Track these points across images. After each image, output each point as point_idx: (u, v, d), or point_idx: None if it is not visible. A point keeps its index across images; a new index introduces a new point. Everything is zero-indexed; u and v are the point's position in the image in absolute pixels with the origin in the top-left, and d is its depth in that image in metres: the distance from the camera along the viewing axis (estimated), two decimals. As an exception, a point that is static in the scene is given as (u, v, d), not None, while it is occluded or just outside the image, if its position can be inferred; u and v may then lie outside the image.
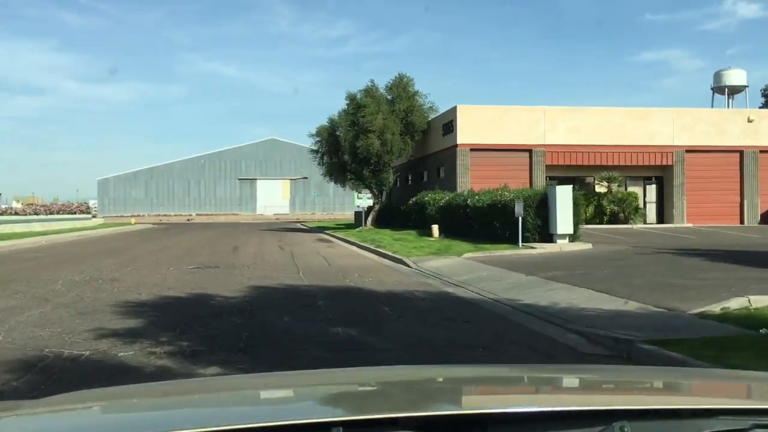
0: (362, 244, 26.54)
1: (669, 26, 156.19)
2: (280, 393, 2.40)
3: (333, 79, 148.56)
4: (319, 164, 42.76)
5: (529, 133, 34.44)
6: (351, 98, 38.66)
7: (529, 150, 34.56)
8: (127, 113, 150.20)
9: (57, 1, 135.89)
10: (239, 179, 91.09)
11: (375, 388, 2.36)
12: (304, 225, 57.25)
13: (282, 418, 1.67)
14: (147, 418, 2.02)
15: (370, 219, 39.89)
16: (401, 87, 38.52)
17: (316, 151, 41.13)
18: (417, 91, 38.83)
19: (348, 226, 48.36)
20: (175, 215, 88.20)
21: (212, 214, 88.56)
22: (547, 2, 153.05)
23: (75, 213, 57.37)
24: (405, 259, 19.15)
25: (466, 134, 34.24)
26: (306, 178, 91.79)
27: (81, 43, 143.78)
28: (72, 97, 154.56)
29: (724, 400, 2.07)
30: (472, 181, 34.04)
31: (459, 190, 34.05)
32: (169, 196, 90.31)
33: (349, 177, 43.26)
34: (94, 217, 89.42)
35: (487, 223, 24.13)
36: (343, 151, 39.60)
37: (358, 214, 60.55)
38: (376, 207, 40.35)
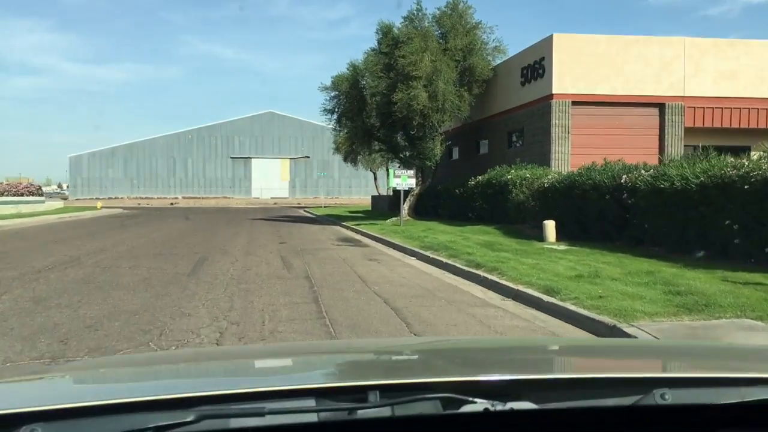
0: (439, 257, 14.26)
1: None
2: (313, 359, 2.33)
3: (332, 61, 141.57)
4: (334, 130, 30.60)
5: (661, 79, 22.43)
6: (385, 31, 26.51)
7: (659, 104, 22.58)
8: (125, 94, 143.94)
9: None
10: (232, 158, 78.87)
11: (409, 356, 2.32)
12: (309, 212, 45.16)
13: (318, 381, 1.70)
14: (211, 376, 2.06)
15: (406, 206, 27.92)
16: (456, 17, 26.36)
17: (331, 111, 29.00)
18: (479, 23, 26.72)
19: (367, 215, 36.33)
20: (158, 198, 76.09)
21: (200, 197, 76.45)
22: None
23: (23, 194, 44.84)
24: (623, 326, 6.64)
25: (565, 79, 22.22)
26: (308, 157, 79.58)
27: (78, 23, 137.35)
28: (69, 77, 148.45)
29: (763, 369, 1.85)
30: (574, 150, 22.06)
31: (554, 164, 22.07)
32: (151, 177, 78.12)
33: (376, 147, 31.17)
34: (62, 198, 77.38)
35: (689, 220, 12.16)
36: (370, 111, 27.53)
37: (377, 199, 48.54)
38: (415, 190, 28.32)
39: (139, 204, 67.95)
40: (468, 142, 30.06)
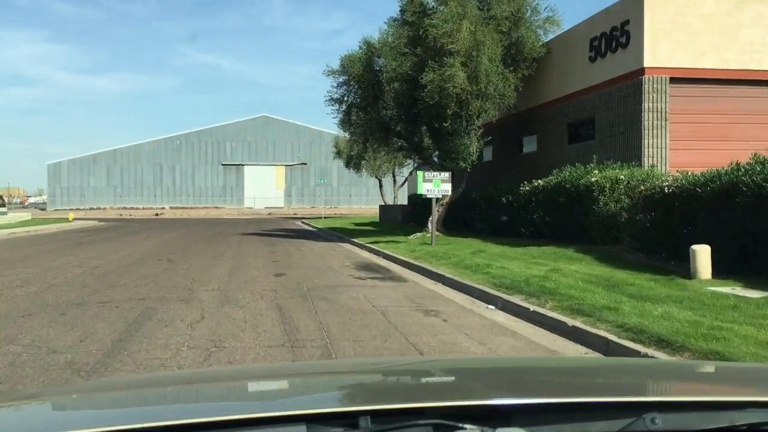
0: (549, 312, 8.18)
1: None
2: (305, 381, 2.26)
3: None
4: (341, 123, 24.67)
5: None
6: (411, -4, 20.65)
7: (786, 83, 16.77)
8: (119, 104, 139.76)
9: None
10: (223, 164, 72.93)
11: (401, 378, 2.28)
12: (308, 224, 39.19)
13: (309, 406, 1.64)
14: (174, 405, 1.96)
15: (433, 219, 22.08)
16: (499, -19, 20.52)
17: (338, 101, 23.09)
18: (528, -11, 20.89)
19: (378, 228, 30.46)
20: (143, 208, 70.07)
21: (189, 207, 70.43)
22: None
23: (-23, 205, 38.97)
24: None
25: (660, 49, 16.42)
26: (305, 164, 73.68)
27: (74, 33, 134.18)
28: (64, 88, 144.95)
29: (756, 392, 1.87)
30: (673, 143, 16.26)
31: (646, 161, 16.26)
32: (136, 185, 72.07)
33: (396, 145, 25.27)
34: (40, 209, 71.28)
35: None
36: (387, 99, 21.72)
37: (386, 210, 42.57)
38: (445, 198, 22.40)
39: (120, 215, 61.89)
40: (507, 139, 24.21)
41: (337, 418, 1.48)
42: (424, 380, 2.22)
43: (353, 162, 49.82)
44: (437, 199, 22.02)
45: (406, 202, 53.54)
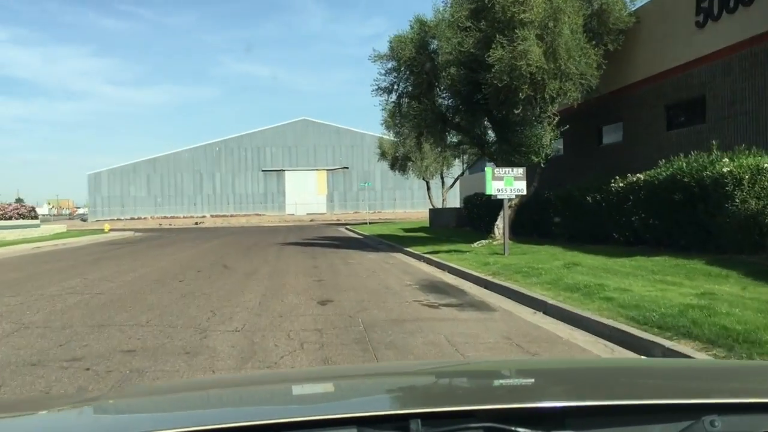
0: None
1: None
2: (353, 384, 2.21)
3: (366, 77, 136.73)
4: (392, 113, 21.51)
5: None
6: (472, -43, 17.47)
7: None
8: (162, 116, 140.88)
9: (95, 7, 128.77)
10: (263, 171, 70.69)
11: (451, 380, 2.25)
12: (353, 231, 36.22)
13: (359, 409, 1.60)
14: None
15: (501, 223, 18.87)
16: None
17: (387, 90, 20.01)
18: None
19: (431, 234, 27.34)
20: (183, 217, 68.23)
21: (229, 215, 68.32)
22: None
23: (11, 218, 37.03)
24: None
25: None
26: (347, 168, 70.95)
27: (118, 47, 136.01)
28: (108, 100, 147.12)
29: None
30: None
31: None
32: (176, 194, 70.30)
33: (454, 139, 22.08)
34: (82, 220, 70.05)
35: None
36: (443, 86, 18.61)
37: (437, 214, 39.33)
38: (514, 199, 19.09)
39: (160, 224, 60.00)
40: (581, 129, 20.79)
41: (387, 421, 1.45)
42: (474, 383, 2.17)
43: (399, 164, 46.78)
44: (509, 200, 18.88)
45: (456, 205, 50.23)
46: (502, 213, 19.07)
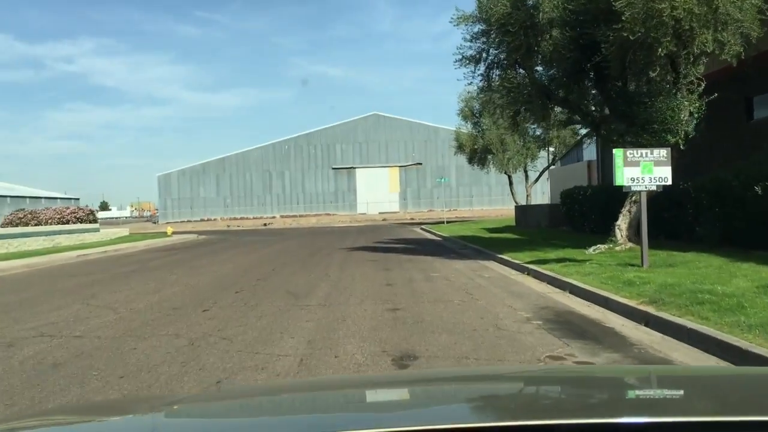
0: None
1: None
2: (429, 391, 2.19)
3: (435, 74, 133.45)
4: (482, 87, 17.18)
5: None
6: None
7: None
8: (239, 118, 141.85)
9: (175, 15, 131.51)
10: (333, 168, 67.67)
11: (531, 389, 2.19)
12: (431, 232, 32.27)
13: (439, 420, 1.60)
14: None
15: (624, 223, 14.61)
16: None
17: (474, 60, 15.92)
18: None
19: (522, 235, 23.26)
20: (253, 218, 66.01)
21: (299, 215, 65.64)
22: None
23: (68, 222, 34.98)
24: None
25: None
26: (420, 164, 67.09)
27: (196, 53, 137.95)
28: (189, 105, 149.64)
29: None
30: None
31: None
32: (246, 194, 68.19)
33: (560, 115, 17.84)
34: (153, 222, 68.90)
35: None
36: (546, 52, 14.47)
37: (523, 211, 34.70)
38: (641, 195, 14.71)
39: (228, 226, 57.75)
40: (722, 102, 16.17)
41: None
42: (558, 392, 2.12)
43: (477, 157, 42.60)
44: (632, 195, 14.63)
45: (542, 201, 45.47)
46: (627, 209, 14.83)
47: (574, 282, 10.55)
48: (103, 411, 2.18)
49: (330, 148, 67.80)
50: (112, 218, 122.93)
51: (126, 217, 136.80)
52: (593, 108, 15.17)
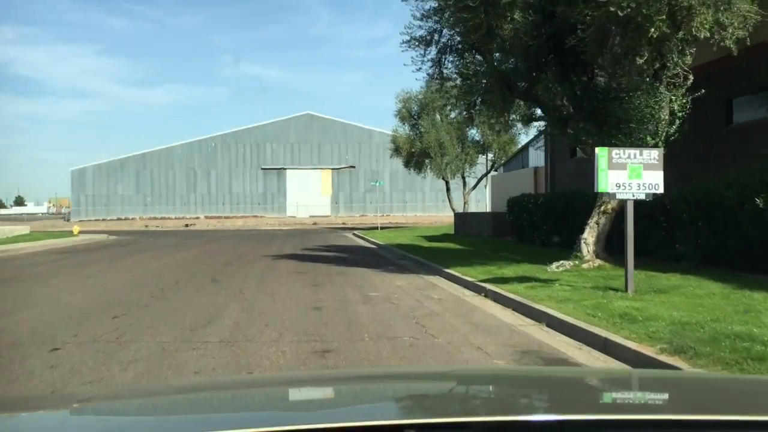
0: None
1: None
2: (344, 390, 2.17)
3: (373, 79, 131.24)
4: (432, 75, 14.60)
5: None
6: None
7: None
8: (169, 116, 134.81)
9: (105, 6, 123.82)
10: (263, 169, 64.45)
11: (445, 388, 2.20)
12: (364, 238, 29.77)
13: (352, 418, 1.58)
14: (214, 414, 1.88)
15: (591, 235, 12.55)
16: None
17: (424, 42, 13.50)
18: None
19: (461, 245, 21.16)
20: (175, 218, 61.98)
21: (225, 217, 62.11)
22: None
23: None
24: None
25: None
26: (353, 167, 64.70)
27: (126, 47, 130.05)
28: (117, 100, 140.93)
29: None
30: None
31: None
32: (168, 193, 64.10)
33: (522, 109, 15.60)
34: (65, 220, 63.83)
35: None
36: (508, 37, 12.23)
37: (464, 219, 32.51)
38: (610, 203, 12.66)
39: (146, 226, 53.75)
40: (702, 102, 14.39)
41: (382, 430, 1.42)
42: (471, 391, 2.11)
43: (414, 161, 40.46)
44: (601, 204, 12.64)
45: (481, 209, 43.69)
46: (594, 221, 12.78)
47: (550, 311, 8.31)
48: (7, 407, 2.12)
49: (260, 147, 64.53)
50: (26, 214, 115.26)
51: (42, 213, 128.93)
52: (560, 103, 13.04)
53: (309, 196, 64.08)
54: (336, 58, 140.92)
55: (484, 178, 40.19)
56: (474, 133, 39.64)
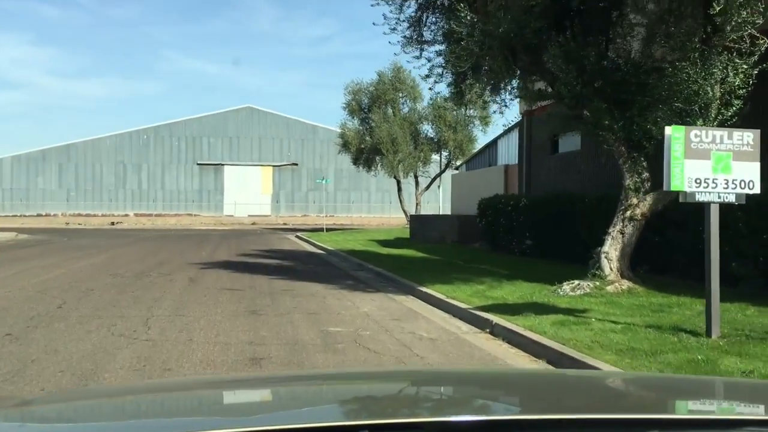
0: None
1: None
2: (299, 392, 2.15)
3: (315, 79, 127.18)
4: (409, 39, 11.37)
5: None
6: None
7: None
8: (104, 109, 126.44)
9: None
10: (199, 164, 60.08)
11: (398, 389, 2.22)
12: (309, 242, 26.27)
13: (305, 420, 1.58)
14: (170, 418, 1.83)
15: (615, 249, 9.54)
16: None
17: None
18: None
19: (424, 252, 18.18)
20: (102, 215, 56.96)
21: (156, 215, 57.55)
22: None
23: None
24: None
25: None
26: (296, 164, 61.09)
27: (59, 37, 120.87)
28: (48, 92, 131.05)
29: (752, 410, 1.82)
30: None
31: None
32: (94, 188, 59.03)
33: (527, 82, 12.55)
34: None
35: None
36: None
37: (422, 222, 29.08)
38: (639, 205, 9.76)
39: (67, 224, 48.85)
40: None
41: (336, 431, 1.41)
42: (424, 393, 2.13)
43: (364, 157, 37.28)
44: (626, 209, 9.76)
45: (436, 211, 40.72)
46: (618, 230, 9.86)
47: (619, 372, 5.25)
48: None
49: (196, 141, 60.09)
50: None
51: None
52: (574, 76, 10.01)
53: (248, 195, 60.04)
54: (279, 56, 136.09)
55: (438, 178, 37.33)
56: (427, 128, 36.87)
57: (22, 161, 58.39)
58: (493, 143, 27.87)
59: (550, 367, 6.00)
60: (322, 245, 23.48)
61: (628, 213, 9.83)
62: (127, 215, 57.43)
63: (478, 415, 1.61)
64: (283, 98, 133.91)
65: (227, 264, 15.93)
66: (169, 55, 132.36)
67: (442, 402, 1.99)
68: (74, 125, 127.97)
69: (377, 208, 61.52)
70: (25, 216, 56.24)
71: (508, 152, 24.69)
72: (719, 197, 6.54)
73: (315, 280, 12.78)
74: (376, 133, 34.71)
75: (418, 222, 25.82)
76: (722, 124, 9.03)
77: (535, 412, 1.66)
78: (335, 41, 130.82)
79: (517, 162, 20.27)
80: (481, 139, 34.97)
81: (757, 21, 8.37)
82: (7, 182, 57.97)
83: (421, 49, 10.81)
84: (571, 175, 16.47)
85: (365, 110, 36.58)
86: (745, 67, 8.57)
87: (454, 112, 34.46)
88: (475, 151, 35.27)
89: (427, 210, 39.93)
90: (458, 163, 36.93)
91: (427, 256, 17.40)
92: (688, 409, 1.85)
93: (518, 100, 12.66)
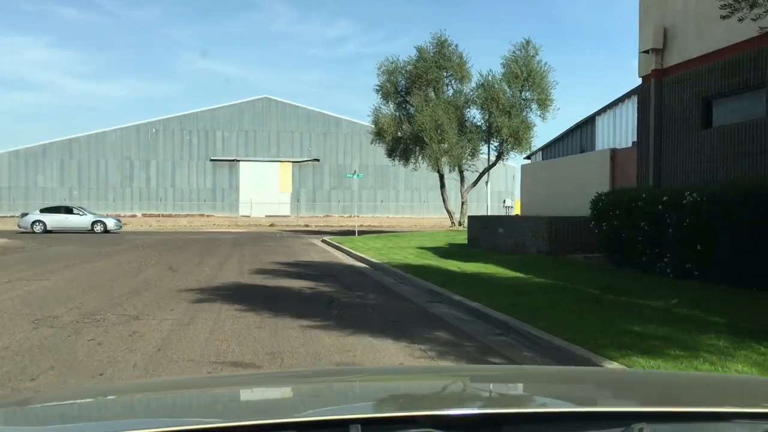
0: None
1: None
2: (293, 388, 2.17)
3: (331, 78, 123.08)
4: None
5: None
6: None
7: None
8: (124, 110, 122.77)
9: None
10: (212, 160, 54.98)
11: (392, 385, 2.21)
12: (341, 249, 20.81)
13: (298, 414, 1.60)
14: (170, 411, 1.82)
15: None
16: None
17: None
18: None
19: (523, 273, 12.51)
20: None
21: (166, 215, 52.58)
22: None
23: None
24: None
25: None
26: (317, 160, 55.76)
27: (79, 39, 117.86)
28: (68, 93, 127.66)
29: (742, 403, 1.79)
30: None
31: None
32: (99, 186, 54.18)
33: None
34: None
35: None
36: None
37: (484, 225, 23.04)
38: None
39: (65, 225, 43.80)
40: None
41: (327, 426, 1.42)
42: (416, 388, 2.13)
43: (401, 148, 31.78)
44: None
45: (481, 211, 34.92)
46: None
47: None
48: None
49: (209, 135, 54.96)
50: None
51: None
52: None
53: (265, 193, 54.80)
54: (295, 56, 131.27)
55: (486, 173, 31.75)
56: (475, 113, 31.39)
57: (20, 157, 53.62)
58: (585, 124, 22.26)
59: None
60: (361, 255, 18.09)
61: None
62: (134, 216, 52.50)
63: (473, 409, 1.60)
64: (301, 97, 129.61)
65: (235, 293, 10.58)
66: (186, 56, 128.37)
67: (437, 396, 1.94)
68: (96, 126, 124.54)
69: (406, 207, 56.16)
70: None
71: (614, 133, 19.22)
72: None
73: (380, 328, 7.38)
74: (416, 118, 29.22)
75: (479, 224, 20.30)
76: None
77: (530, 407, 1.66)
78: (351, 42, 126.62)
79: (632, 144, 14.73)
80: (541, 127, 29.54)
81: None
82: (5, 180, 53.23)
83: None
84: (747, 158, 10.94)
85: (402, 93, 31.13)
86: None
87: (509, 94, 28.96)
88: (532, 139, 29.67)
89: (476, 210, 34.44)
90: (512, 154, 31.32)
91: (525, 277, 11.92)
92: (679, 402, 1.76)
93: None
